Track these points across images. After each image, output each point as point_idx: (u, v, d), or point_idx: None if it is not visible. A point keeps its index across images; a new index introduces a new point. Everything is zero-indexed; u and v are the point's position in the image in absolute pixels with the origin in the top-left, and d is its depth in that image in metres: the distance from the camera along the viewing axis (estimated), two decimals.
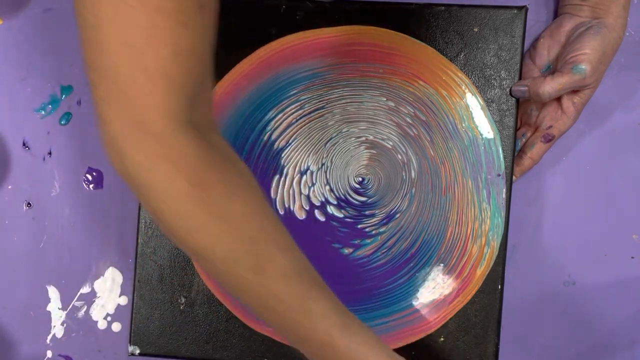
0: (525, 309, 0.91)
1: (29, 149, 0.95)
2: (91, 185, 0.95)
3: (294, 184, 0.88)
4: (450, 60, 0.87)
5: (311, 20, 0.88)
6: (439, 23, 0.87)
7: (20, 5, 0.95)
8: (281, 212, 0.88)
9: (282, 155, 0.88)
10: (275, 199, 0.89)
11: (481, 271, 0.86)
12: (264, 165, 0.89)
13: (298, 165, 0.88)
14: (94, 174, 0.94)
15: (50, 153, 0.95)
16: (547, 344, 0.90)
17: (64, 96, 0.95)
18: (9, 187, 0.95)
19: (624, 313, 0.90)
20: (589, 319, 0.90)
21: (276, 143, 0.89)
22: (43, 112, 0.95)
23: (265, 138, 0.89)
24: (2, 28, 0.95)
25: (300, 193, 0.89)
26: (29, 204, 0.95)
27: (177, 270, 0.89)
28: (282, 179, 0.89)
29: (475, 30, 0.86)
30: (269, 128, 0.89)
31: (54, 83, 0.95)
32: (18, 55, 0.95)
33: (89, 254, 0.94)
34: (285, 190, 0.89)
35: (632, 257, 0.90)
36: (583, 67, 0.81)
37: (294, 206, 0.88)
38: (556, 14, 0.90)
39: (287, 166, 0.88)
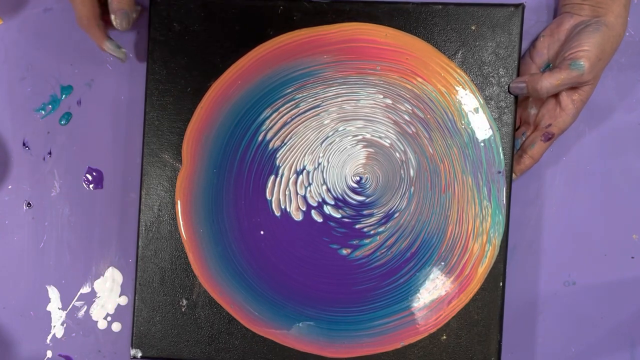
0: (525, 309, 0.89)
1: (29, 149, 0.93)
2: (91, 185, 0.93)
3: (290, 184, 0.86)
4: (448, 59, 0.85)
5: (309, 21, 0.86)
6: (437, 21, 0.85)
7: (20, 5, 0.94)
8: (277, 214, 0.86)
9: (278, 155, 0.86)
10: (271, 200, 0.87)
11: (483, 269, 0.84)
12: (259, 165, 0.86)
13: (294, 165, 0.86)
14: (94, 174, 0.93)
15: (50, 153, 0.93)
16: (547, 343, 0.89)
17: (64, 96, 0.93)
18: (9, 187, 0.93)
19: (624, 313, 0.89)
20: (589, 319, 0.89)
21: (271, 143, 0.86)
22: (43, 112, 0.93)
23: (260, 138, 0.86)
24: (2, 28, 0.94)
25: (297, 194, 0.86)
26: (29, 204, 0.93)
27: (178, 272, 0.87)
28: (278, 179, 0.86)
29: (473, 28, 0.85)
30: (263, 128, 0.86)
31: (54, 83, 0.93)
32: (18, 55, 0.93)
33: (89, 254, 0.93)
34: (281, 191, 0.86)
35: (632, 257, 0.89)
36: (581, 63, 0.80)
37: (290, 207, 0.86)
38: (556, 13, 0.89)
39: (283, 166, 0.86)
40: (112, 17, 0.84)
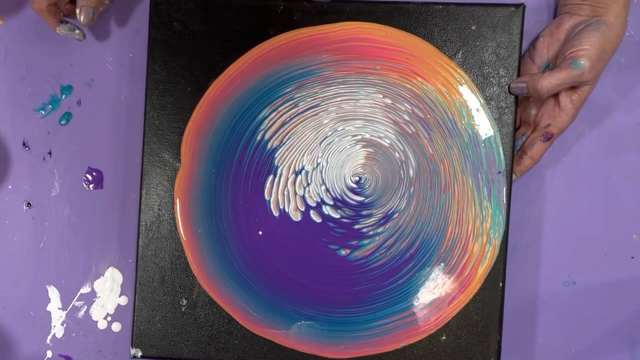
0: (525, 308, 0.89)
1: (29, 149, 0.92)
2: (91, 185, 0.92)
3: (289, 184, 0.85)
4: (449, 59, 0.84)
5: (309, 21, 0.86)
6: (437, 21, 0.84)
7: (20, 5, 0.93)
8: (276, 214, 0.86)
9: (276, 155, 0.86)
10: (269, 200, 0.86)
11: (483, 270, 0.83)
12: (258, 165, 0.86)
13: (292, 165, 0.85)
14: (94, 174, 0.92)
15: (50, 153, 0.92)
16: (547, 343, 0.89)
17: (64, 96, 0.92)
18: (9, 187, 0.93)
19: (624, 313, 0.88)
20: (589, 319, 0.89)
21: (270, 142, 0.86)
22: (43, 112, 0.92)
23: (259, 137, 0.86)
24: (2, 28, 0.93)
25: (295, 194, 0.86)
26: (29, 204, 0.92)
27: (178, 272, 0.86)
28: (276, 179, 0.86)
29: (473, 28, 0.84)
30: (262, 127, 0.86)
31: (54, 83, 0.92)
32: (18, 55, 0.93)
33: (89, 254, 0.92)
34: (279, 191, 0.86)
35: (632, 257, 0.88)
36: (582, 62, 0.79)
37: (289, 207, 0.86)
38: (556, 13, 0.88)
39: (281, 166, 0.85)
40: (77, 11, 0.85)
